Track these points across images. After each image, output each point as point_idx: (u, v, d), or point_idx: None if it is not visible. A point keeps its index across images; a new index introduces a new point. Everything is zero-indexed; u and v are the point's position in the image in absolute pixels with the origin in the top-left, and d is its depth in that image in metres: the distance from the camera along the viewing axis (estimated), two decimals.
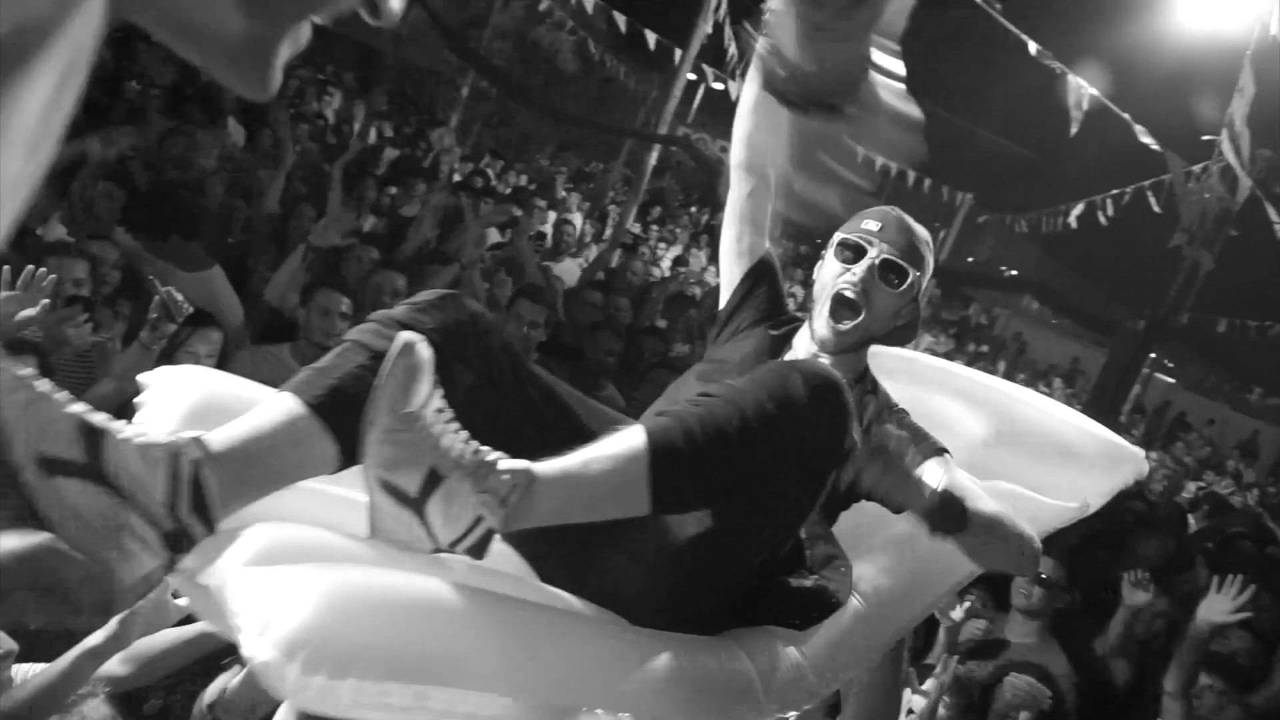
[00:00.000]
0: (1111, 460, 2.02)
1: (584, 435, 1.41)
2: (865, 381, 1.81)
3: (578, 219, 8.99)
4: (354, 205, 6.39)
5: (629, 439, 1.33)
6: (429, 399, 1.28)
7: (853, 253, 1.76)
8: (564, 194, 10.63)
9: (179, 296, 2.88)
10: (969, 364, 10.93)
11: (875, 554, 1.71)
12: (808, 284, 1.90)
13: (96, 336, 3.46)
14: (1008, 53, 5.66)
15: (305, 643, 1.06)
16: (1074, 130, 5.75)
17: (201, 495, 1.14)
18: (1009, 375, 12.81)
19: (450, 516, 1.26)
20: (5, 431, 1.01)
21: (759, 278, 1.92)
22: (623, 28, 10.29)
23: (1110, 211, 7.70)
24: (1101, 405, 6.19)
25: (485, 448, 1.29)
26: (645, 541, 1.43)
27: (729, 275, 1.95)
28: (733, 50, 9.20)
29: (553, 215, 8.92)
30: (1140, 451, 2.07)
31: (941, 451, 1.64)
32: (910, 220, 1.80)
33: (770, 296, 1.92)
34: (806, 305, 1.84)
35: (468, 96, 15.06)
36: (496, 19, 14.39)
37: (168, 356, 3.30)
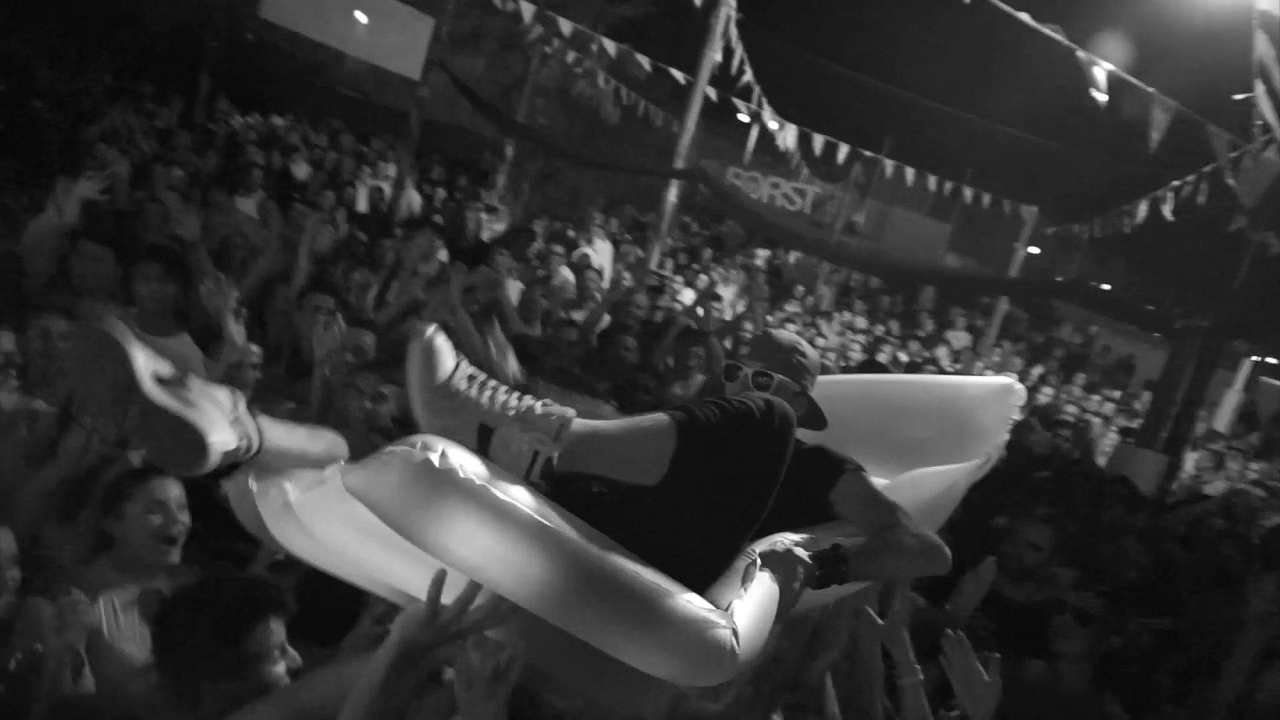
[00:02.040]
0: (994, 397, 2.26)
1: None
2: None
3: (606, 262, 8.76)
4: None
5: (659, 418, 1.65)
6: (456, 369, 1.55)
7: (730, 374, 2.25)
8: (595, 242, 10.43)
9: None
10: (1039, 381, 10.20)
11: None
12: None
13: (38, 404, 3.32)
14: (1033, 47, 5.20)
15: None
16: (1102, 103, 5.17)
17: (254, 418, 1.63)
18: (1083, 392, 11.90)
19: (512, 457, 1.52)
20: (126, 367, 1.49)
21: None
22: (647, 67, 10.18)
23: (1171, 206, 7.02)
24: (1167, 409, 5.53)
25: (528, 396, 1.56)
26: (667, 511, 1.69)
27: None
28: (747, 77, 8.91)
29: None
30: (1010, 379, 2.34)
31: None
32: (778, 338, 2.29)
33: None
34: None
35: (514, 156, 15.16)
36: (535, 77, 14.46)
37: None
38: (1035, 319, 22.35)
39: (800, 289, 13.89)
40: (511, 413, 1.53)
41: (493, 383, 1.56)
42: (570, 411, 1.57)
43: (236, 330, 3.71)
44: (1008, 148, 10.99)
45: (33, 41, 12.42)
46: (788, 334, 2.32)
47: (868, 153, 11.37)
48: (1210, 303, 5.76)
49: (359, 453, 3.02)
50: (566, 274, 7.21)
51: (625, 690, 1.67)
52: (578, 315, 6.42)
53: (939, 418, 2.29)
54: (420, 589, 1.52)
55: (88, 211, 5.20)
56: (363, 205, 10.24)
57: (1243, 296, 5.53)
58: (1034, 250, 15.64)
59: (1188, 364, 5.38)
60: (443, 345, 1.56)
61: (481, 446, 1.52)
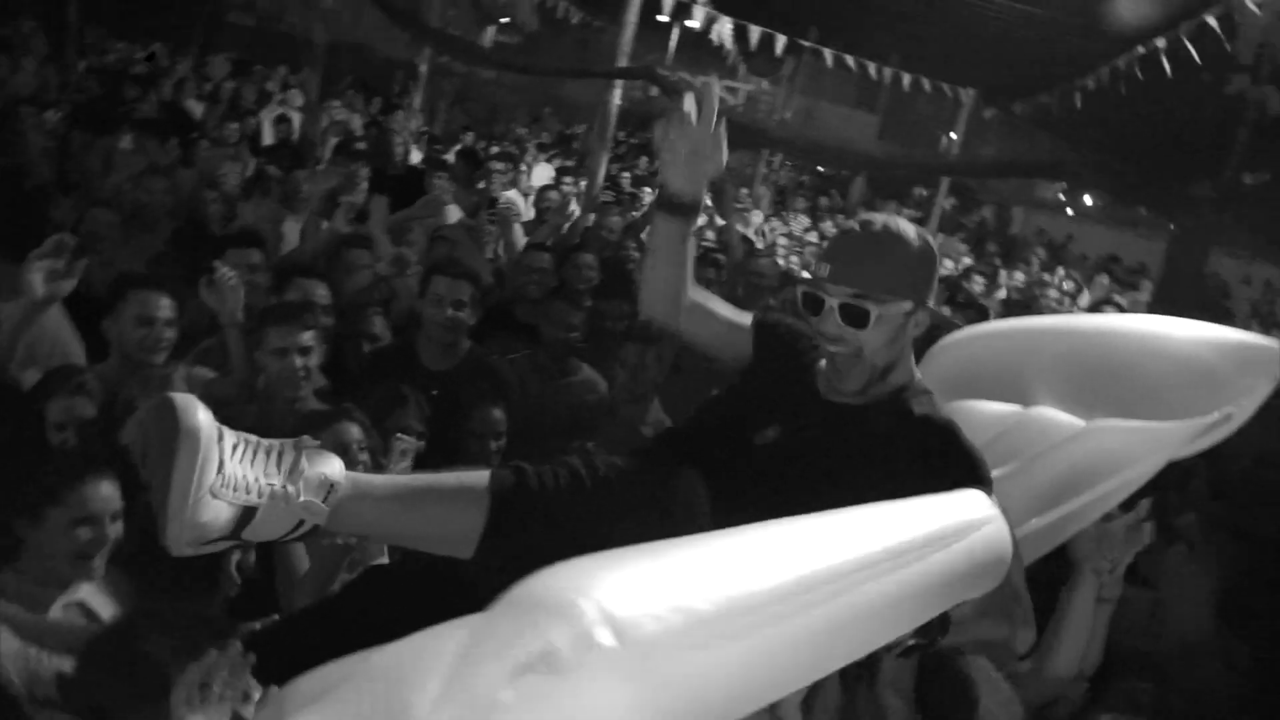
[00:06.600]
0: (1244, 362, 1.75)
1: None
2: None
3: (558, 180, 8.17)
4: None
5: (474, 480, 1.48)
6: (229, 453, 1.32)
7: (812, 306, 1.62)
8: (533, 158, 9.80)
9: None
10: (993, 271, 9.88)
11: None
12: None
13: None
14: None
15: None
16: None
17: None
18: (1042, 273, 11.83)
19: (272, 529, 1.36)
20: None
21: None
22: None
23: (1139, 73, 6.65)
24: (1177, 303, 5.22)
25: (289, 449, 1.37)
26: None
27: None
28: None
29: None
30: (1276, 344, 1.78)
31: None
32: (876, 232, 1.59)
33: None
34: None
35: (429, 74, 14.15)
36: None
37: None
38: (961, 203, 22.33)
39: (744, 191, 13.44)
40: (276, 486, 1.34)
41: (251, 447, 1.35)
42: (336, 468, 1.38)
43: None
44: (939, 25, 10.53)
45: None
46: (891, 224, 1.61)
47: (805, 43, 10.80)
48: (1205, 171, 5.40)
49: (278, 423, 2.54)
50: (512, 196, 6.63)
51: None
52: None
53: (1164, 377, 1.83)
54: None
55: None
56: (268, 138, 9.40)
57: (1241, 163, 5.18)
58: (954, 136, 15.15)
59: (1193, 242, 5.09)
60: (207, 425, 1.29)
61: (240, 527, 1.33)
